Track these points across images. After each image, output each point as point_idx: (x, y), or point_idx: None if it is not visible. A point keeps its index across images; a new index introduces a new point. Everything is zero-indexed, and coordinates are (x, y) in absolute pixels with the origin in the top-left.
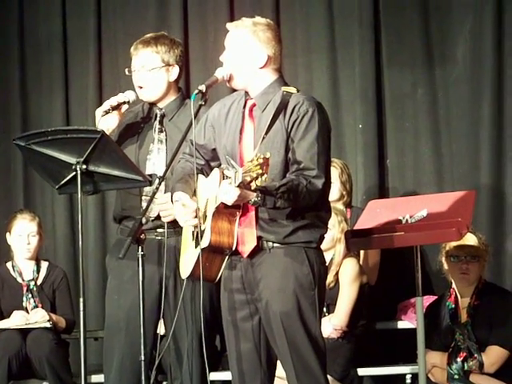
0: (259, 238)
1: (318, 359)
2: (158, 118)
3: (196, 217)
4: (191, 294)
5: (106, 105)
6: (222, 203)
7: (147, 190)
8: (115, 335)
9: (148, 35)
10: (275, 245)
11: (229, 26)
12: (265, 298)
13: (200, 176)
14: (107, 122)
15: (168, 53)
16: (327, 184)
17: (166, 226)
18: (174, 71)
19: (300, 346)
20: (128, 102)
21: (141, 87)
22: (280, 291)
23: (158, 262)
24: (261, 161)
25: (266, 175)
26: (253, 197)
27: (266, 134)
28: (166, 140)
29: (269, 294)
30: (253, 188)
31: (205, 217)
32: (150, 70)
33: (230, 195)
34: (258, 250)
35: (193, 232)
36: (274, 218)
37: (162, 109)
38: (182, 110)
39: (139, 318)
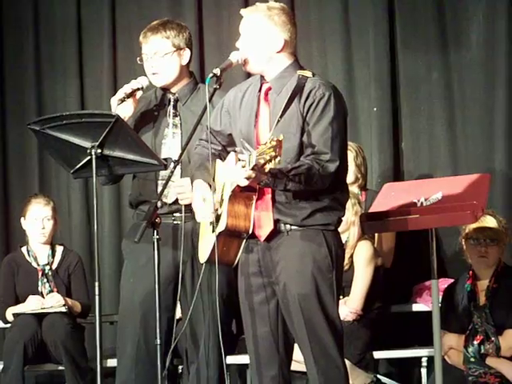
0: (276, 222)
1: (336, 342)
2: (171, 103)
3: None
4: (208, 278)
5: (121, 93)
6: (237, 186)
7: (163, 173)
8: (130, 319)
9: (154, 22)
10: (293, 227)
11: (243, 11)
12: (283, 281)
13: (218, 161)
14: (123, 110)
15: (178, 37)
16: (342, 167)
17: (183, 210)
18: (186, 54)
19: (318, 328)
20: (142, 88)
21: (155, 73)
22: (298, 274)
23: (175, 246)
24: (274, 143)
25: (279, 157)
26: (264, 179)
27: (281, 117)
28: (181, 124)
29: (287, 276)
30: (266, 170)
31: (221, 201)
32: (163, 56)
33: (243, 177)
34: (275, 233)
35: None
36: (291, 200)
37: (175, 93)
38: (194, 94)
39: (154, 302)
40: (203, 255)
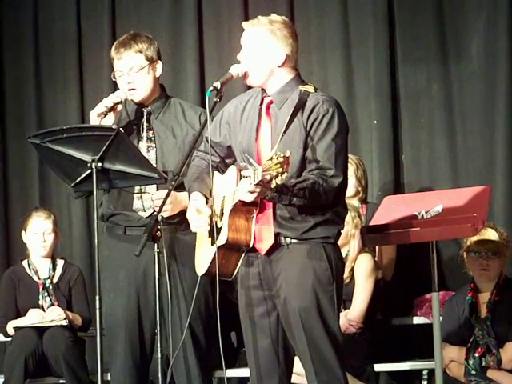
0: (277, 235)
1: (337, 355)
2: (145, 117)
3: (209, 224)
4: (187, 292)
5: (102, 107)
6: (239, 201)
7: (137, 187)
8: (116, 335)
9: (123, 37)
10: (293, 241)
11: (245, 25)
12: (283, 294)
13: (215, 173)
14: (106, 123)
15: (150, 49)
16: (344, 182)
17: (161, 224)
18: (159, 66)
19: (319, 341)
20: (121, 101)
21: (132, 89)
22: (299, 287)
23: (151, 258)
24: (281, 159)
25: (286, 174)
26: (269, 193)
27: (285, 132)
28: (154, 138)
29: (287, 289)
30: (273, 186)
31: (221, 214)
32: (138, 71)
33: (250, 193)
34: (275, 246)
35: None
36: (292, 214)
37: (147, 107)
38: (166, 107)
39: (137, 317)
40: (201, 268)
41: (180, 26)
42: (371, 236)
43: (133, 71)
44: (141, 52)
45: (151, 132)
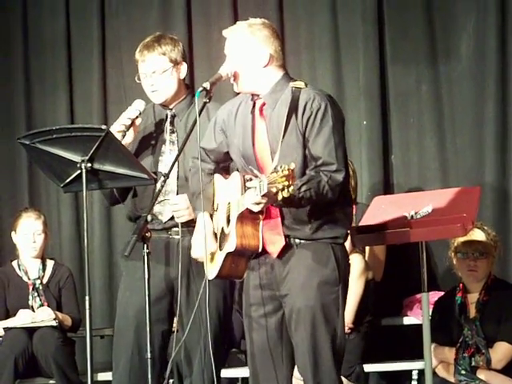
0: (286, 237)
1: (334, 358)
2: (168, 119)
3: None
4: (205, 292)
5: (120, 126)
6: (246, 209)
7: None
8: (125, 332)
9: (148, 39)
10: (302, 241)
11: (225, 32)
12: (289, 294)
13: (216, 176)
14: (126, 140)
15: (173, 51)
16: (347, 176)
17: (180, 227)
18: (183, 68)
19: (320, 342)
20: (140, 114)
21: (154, 91)
22: (304, 286)
23: (168, 260)
24: (286, 172)
25: (292, 187)
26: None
27: (284, 135)
28: (178, 141)
29: (294, 289)
30: (279, 199)
31: (228, 220)
32: (162, 73)
33: (256, 204)
34: (285, 247)
35: (215, 233)
36: (299, 215)
37: (171, 109)
38: (192, 109)
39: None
40: (211, 272)
41: (169, 25)
42: (361, 236)
43: (156, 74)
44: (164, 54)
45: (174, 135)
